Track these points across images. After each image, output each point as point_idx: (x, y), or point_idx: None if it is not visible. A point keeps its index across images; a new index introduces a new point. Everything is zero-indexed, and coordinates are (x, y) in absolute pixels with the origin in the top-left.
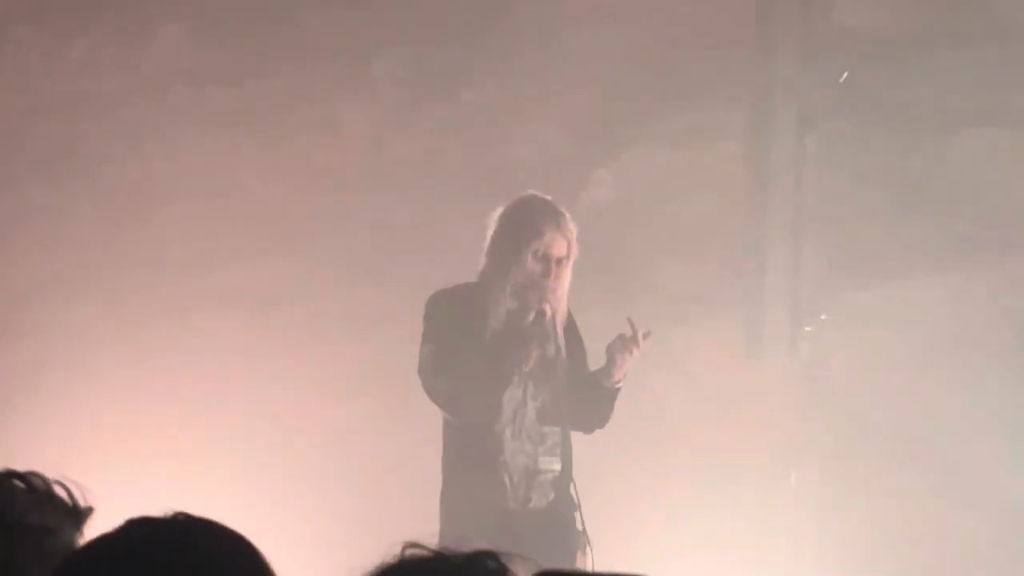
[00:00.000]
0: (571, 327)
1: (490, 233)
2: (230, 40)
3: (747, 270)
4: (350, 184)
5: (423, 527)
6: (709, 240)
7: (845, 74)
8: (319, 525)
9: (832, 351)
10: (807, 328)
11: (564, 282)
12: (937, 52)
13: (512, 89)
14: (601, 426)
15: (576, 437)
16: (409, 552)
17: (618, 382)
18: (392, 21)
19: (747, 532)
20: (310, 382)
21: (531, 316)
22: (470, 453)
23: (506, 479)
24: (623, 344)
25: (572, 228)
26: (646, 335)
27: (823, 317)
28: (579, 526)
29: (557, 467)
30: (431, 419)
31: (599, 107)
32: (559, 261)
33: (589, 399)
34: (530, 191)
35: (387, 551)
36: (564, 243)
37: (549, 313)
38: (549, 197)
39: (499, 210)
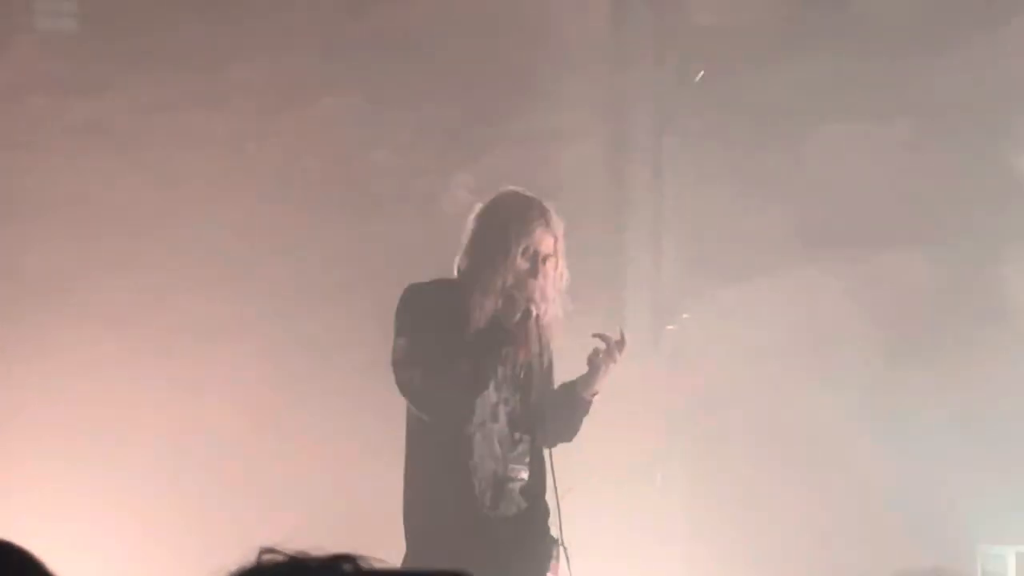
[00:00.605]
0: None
1: (472, 230)
2: (87, 51)
3: (607, 271)
4: (210, 192)
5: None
6: (568, 241)
7: (701, 73)
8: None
9: (695, 349)
10: (669, 327)
11: (552, 281)
12: (791, 50)
13: (371, 94)
14: (569, 439)
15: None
16: (265, 557)
17: (595, 394)
18: (249, 29)
19: (613, 532)
20: (172, 391)
21: (517, 316)
22: (439, 455)
23: (475, 483)
24: (607, 355)
25: (559, 224)
26: (621, 343)
27: (685, 316)
28: (554, 534)
29: (524, 476)
30: (305, 428)
31: (457, 110)
32: (546, 259)
33: (563, 409)
34: (511, 187)
35: (244, 557)
36: (552, 240)
37: (535, 313)
38: (531, 194)
39: (479, 207)
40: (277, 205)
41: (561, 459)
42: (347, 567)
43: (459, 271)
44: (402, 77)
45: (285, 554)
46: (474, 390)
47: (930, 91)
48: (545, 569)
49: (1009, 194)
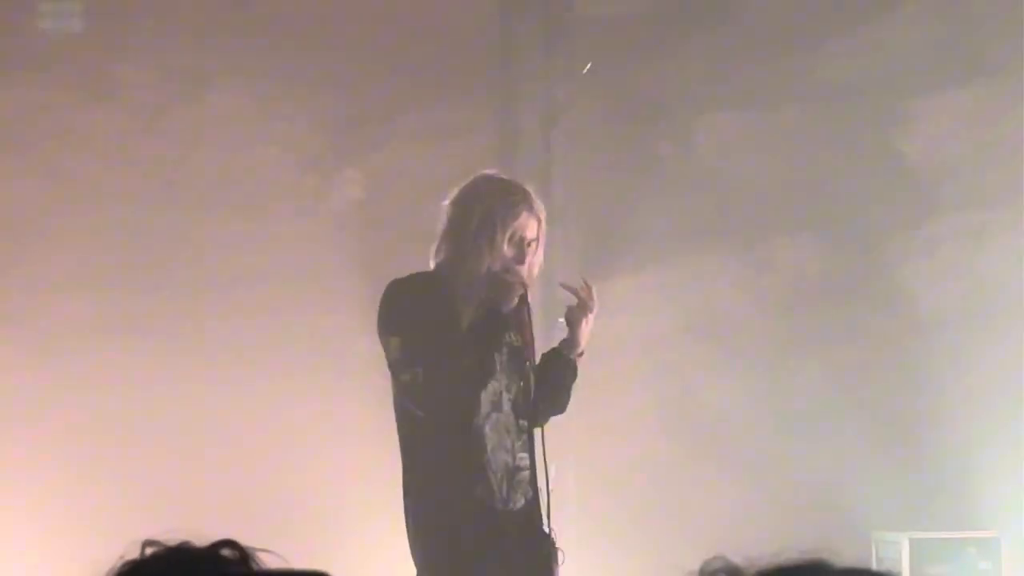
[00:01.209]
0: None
1: (450, 217)
2: None
3: None
4: (97, 191)
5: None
6: None
7: (589, 64)
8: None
9: (588, 340)
10: (561, 320)
11: (535, 266)
12: (679, 39)
13: (259, 90)
14: (562, 409)
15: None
16: (148, 550)
17: (581, 354)
18: (134, 25)
19: None
20: (58, 391)
21: (515, 301)
22: (448, 454)
23: (491, 477)
24: (580, 307)
25: (542, 208)
26: (589, 291)
27: None
28: (546, 528)
29: (528, 464)
30: (197, 425)
31: (347, 106)
32: (530, 244)
33: (551, 378)
34: (485, 171)
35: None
36: (536, 224)
37: (528, 296)
38: (507, 176)
39: (455, 193)
40: (164, 203)
41: None
42: (229, 552)
43: (437, 262)
44: (290, 72)
45: (166, 546)
46: (480, 382)
47: (817, 78)
48: (551, 562)
49: (897, 180)
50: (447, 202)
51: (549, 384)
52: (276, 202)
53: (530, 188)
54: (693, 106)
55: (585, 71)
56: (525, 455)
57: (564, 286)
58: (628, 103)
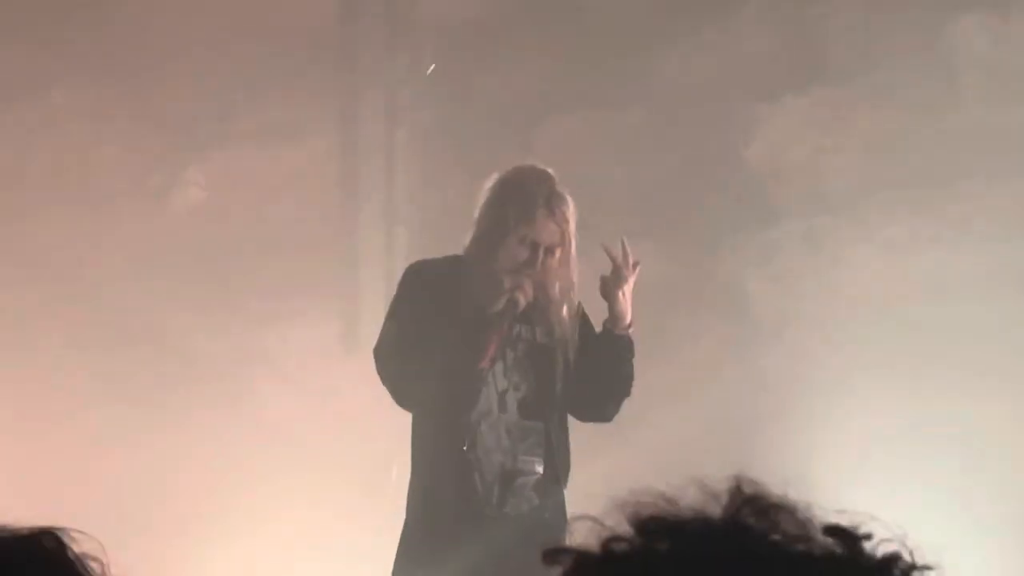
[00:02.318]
0: (582, 320)
1: (480, 203)
2: None
3: (341, 265)
4: None
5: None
6: (302, 236)
7: (432, 66)
8: None
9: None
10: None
11: (557, 271)
12: (523, 40)
13: (102, 88)
14: (626, 393)
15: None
16: None
17: (629, 326)
18: None
19: (350, 529)
20: None
21: (500, 305)
22: (438, 448)
23: (476, 479)
24: (614, 280)
25: (569, 213)
26: (626, 255)
27: None
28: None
29: (539, 469)
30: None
31: (187, 104)
32: (549, 249)
33: (605, 363)
34: (531, 162)
35: None
36: (556, 231)
37: (523, 302)
38: (550, 170)
39: (494, 177)
40: (4, 201)
41: (291, 454)
42: (48, 541)
43: (464, 248)
44: (132, 70)
45: None
46: (456, 379)
47: (659, 81)
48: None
49: (737, 185)
50: (486, 185)
51: (603, 369)
52: (116, 202)
53: (370, 187)
54: (536, 108)
55: (429, 72)
56: (531, 459)
57: (604, 248)
58: (471, 105)
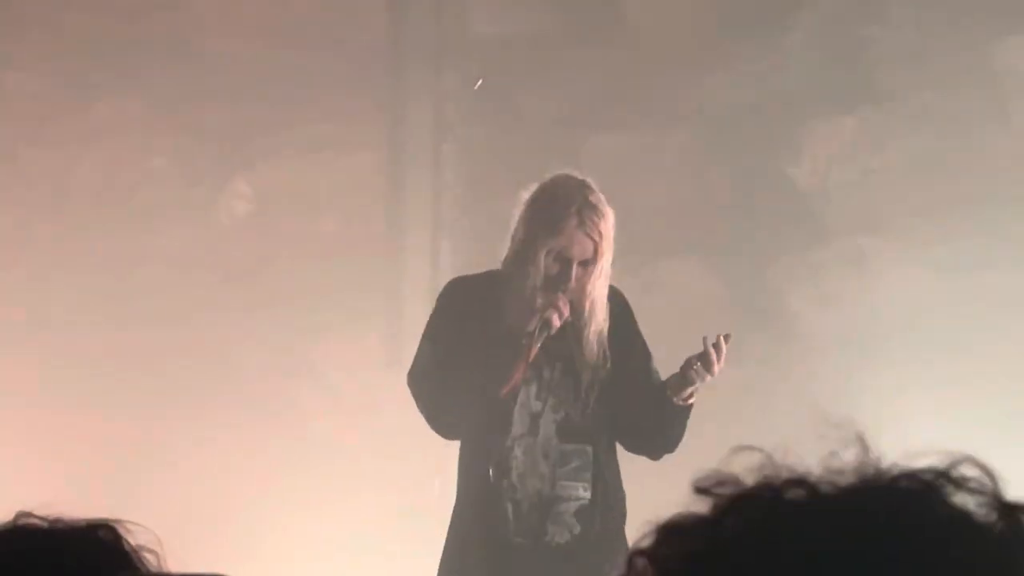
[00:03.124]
0: (626, 333)
1: (516, 215)
2: None
3: (386, 280)
4: None
5: None
6: (348, 249)
7: (480, 81)
8: None
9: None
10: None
11: (594, 286)
12: (569, 59)
13: (147, 100)
14: (670, 448)
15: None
16: (21, 521)
17: (687, 400)
18: (21, 34)
19: (395, 540)
20: None
21: (533, 327)
22: (470, 475)
23: (508, 506)
24: (702, 366)
25: (603, 225)
26: (719, 350)
27: None
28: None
29: (584, 494)
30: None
31: (234, 117)
32: (584, 263)
33: (654, 415)
34: (565, 171)
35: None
36: (589, 244)
37: (557, 322)
38: (586, 179)
39: (532, 187)
40: (50, 212)
41: (337, 465)
42: (104, 533)
43: (502, 261)
44: (179, 82)
45: (43, 518)
46: (480, 405)
47: (707, 101)
48: None
49: (785, 205)
50: (523, 197)
51: (655, 422)
52: (163, 213)
53: (417, 202)
54: (583, 126)
55: (476, 87)
56: (575, 484)
57: (705, 341)
58: (518, 121)
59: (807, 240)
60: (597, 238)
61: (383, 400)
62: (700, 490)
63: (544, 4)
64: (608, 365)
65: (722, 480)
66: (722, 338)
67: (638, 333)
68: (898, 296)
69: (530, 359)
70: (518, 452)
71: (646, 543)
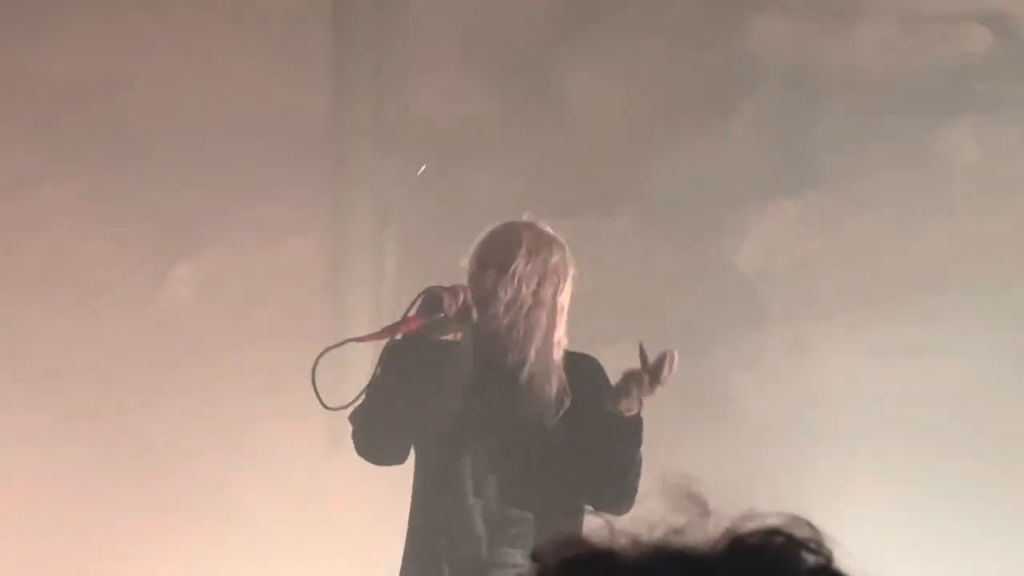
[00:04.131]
0: (578, 373)
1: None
2: None
3: (329, 367)
4: None
5: None
6: (292, 334)
7: (423, 166)
8: None
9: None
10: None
11: (509, 295)
12: (512, 144)
13: (90, 184)
14: (627, 495)
15: None
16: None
17: (629, 410)
18: None
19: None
20: None
21: (447, 330)
22: (417, 536)
23: (445, 569)
24: (649, 382)
25: (528, 236)
26: (668, 362)
27: None
28: None
29: (522, 562)
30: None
31: (177, 202)
32: (501, 269)
33: (612, 444)
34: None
35: None
36: (507, 251)
37: (448, 302)
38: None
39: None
40: None
41: (275, 552)
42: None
43: None
44: (122, 167)
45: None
46: (432, 462)
47: (651, 186)
48: None
49: (726, 288)
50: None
51: (611, 453)
52: (105, 298)
53: (360, 287)
54: (525, 210)
55: (419, 173)
56: (513, 551)
57: (642, 348)
58: (460, 206)
59: (748, 324)
60: (517, 246)
61: (327, 485)
62: (533, 556)
63: (485, 90)
64: (550, 418)
65: (567, 543)
66: (670, 351)
67: (607, 387)
68: (837, 380)
69: (402, 328)
70: (461, 515)
71: None
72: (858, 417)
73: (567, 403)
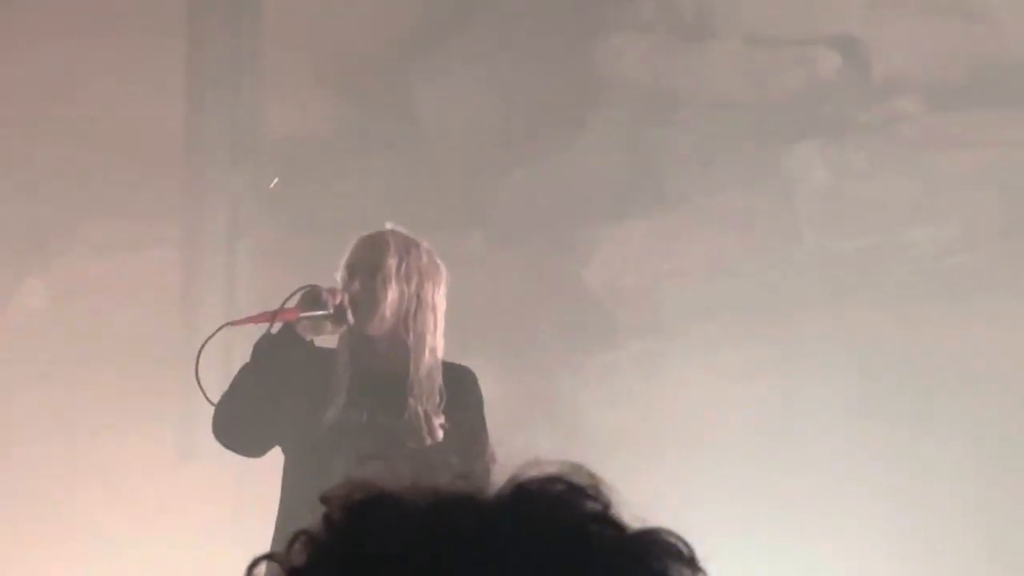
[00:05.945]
0: (451, 380)
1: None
2: None
3: (182, 375)
4: None
5: None
6: (143, 347)
7: (276, 180)
8: None
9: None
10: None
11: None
12: (364, 161)
13: None
14: None
15: None
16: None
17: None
18: None
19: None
20: None
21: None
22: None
23: None
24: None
25: (392, 239)
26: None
27: None
28: None
29: None
30: None
31: (29, 215)
32: (372, 272)
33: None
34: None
35: None
36: (372, 254)
37: (325, 297)
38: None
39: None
40: None
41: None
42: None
43: None
44: None
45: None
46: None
47: (501, 204)
48: None
49: (575, 306)
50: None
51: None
52: None
53: (212, 299)
54: (375, 227)
55: (272, 187)
56: None
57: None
58: (312, 221)
59: (598, 341)
60: (386, 248)
61: (177, 498)
62: (322, 499)
63: (339, 107)
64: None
65: (355, 486)
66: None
67: (479, 405)
68: (686, 398)
69: (280, 316)
70: None
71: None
72: (706, 434)
73: (443, 418)
